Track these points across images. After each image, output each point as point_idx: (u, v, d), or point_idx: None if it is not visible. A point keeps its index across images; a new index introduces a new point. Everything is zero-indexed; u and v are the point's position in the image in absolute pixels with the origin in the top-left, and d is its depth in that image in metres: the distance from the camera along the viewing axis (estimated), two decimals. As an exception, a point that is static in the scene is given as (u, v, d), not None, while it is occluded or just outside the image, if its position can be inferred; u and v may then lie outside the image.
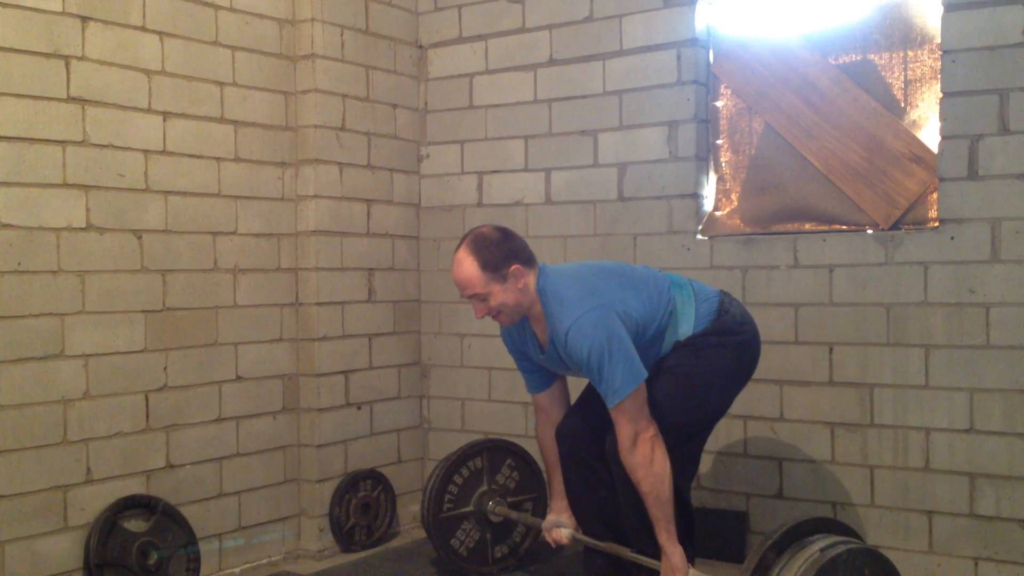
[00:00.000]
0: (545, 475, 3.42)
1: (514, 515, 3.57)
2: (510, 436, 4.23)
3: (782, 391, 3.60)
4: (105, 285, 3.29)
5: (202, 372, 3.60)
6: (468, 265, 2.83)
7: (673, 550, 2.75)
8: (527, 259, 2.89)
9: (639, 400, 2.74)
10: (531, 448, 3.71)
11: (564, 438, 3.14)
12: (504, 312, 2.89)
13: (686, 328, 2.90)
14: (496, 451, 3.67)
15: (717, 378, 2.94)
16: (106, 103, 3.29)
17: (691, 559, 2.87)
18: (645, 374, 2.75)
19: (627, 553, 2.95)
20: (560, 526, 3.20)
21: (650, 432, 2.74)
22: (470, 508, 3.57)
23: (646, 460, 2.72)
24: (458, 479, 3.57)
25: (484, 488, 3.60)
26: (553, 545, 3.25)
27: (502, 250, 2.84)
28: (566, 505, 3.19)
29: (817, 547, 2.43)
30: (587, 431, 3.06)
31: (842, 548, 2.44)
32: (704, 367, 2.89)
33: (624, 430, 2.73)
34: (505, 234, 2.90)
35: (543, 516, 3.42)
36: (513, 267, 2.83)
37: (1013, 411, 3.19)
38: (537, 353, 3.04)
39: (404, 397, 4.37)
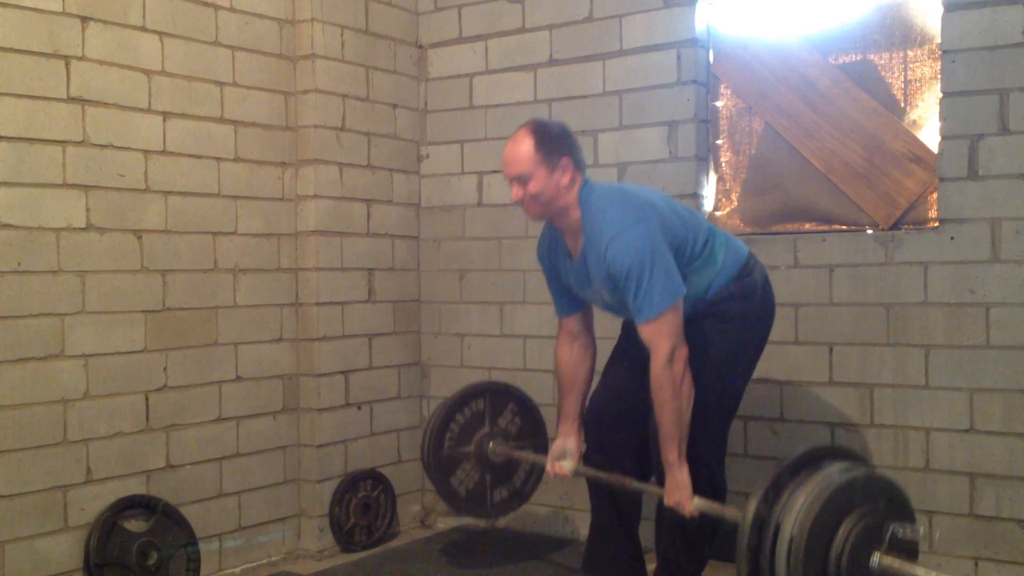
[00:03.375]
0: (554, 409, 3.36)
1: (516, 453, 3.51)
2: (510, 436, 4.25)
3: (782, 391, 3.60)
4: (105, 285, 3.29)
5: (202, 372, 3.60)
6: (524, 142, 2.84)
7: (681, 468, 2.75)
8: (579, 161, 2.90)
9: (678, 316, 2.74)
10: (534, 394, 3.68)
11: (591, 424, 3.15)
12: (537, 203, 2.87)
13: (711, 271, 2.90)
14: (499, 394, 3.60)
15: (743, 353, 2.96)
16: (106, 103, 3.29)
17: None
18: (684, 290, 2.77)
19: (633, 483, 2.94)
20: (565, 455, 3.16)
21: (685, 351, 2.74)
22: (470, 448, 3.51)
23: (679, 377, 2.72)
24: (460, 419, 3.50)
25: (485, 430, 3.53)
26: (553, 478, 3.21)
27: (561, 140, 2.87)
28: (575, 428, 3.15)
29: (835, 468, 2.39)
30: (615, 418, 3.08)
31: (860, 472, 2.40)
32: (732, 344, 2.90)
33: (662, 346, 2.72)
34: (567, 130, 2.94)
35: (542, 471, 3.42)
36: (565, 159, 2.84)
37: (1013, 411, 3.19)
38: (567, 267, 3.02)
39: (404, 397, 4.37)
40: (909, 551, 2.38)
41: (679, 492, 2.76)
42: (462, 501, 3.53)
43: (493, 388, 3.62)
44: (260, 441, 3.82)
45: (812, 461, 2.44)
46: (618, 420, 3.09)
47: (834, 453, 2.52)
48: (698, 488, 2.80)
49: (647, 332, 2.75)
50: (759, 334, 3.02)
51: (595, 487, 3.17)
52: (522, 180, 2.84)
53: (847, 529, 2.29)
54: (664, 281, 2.72)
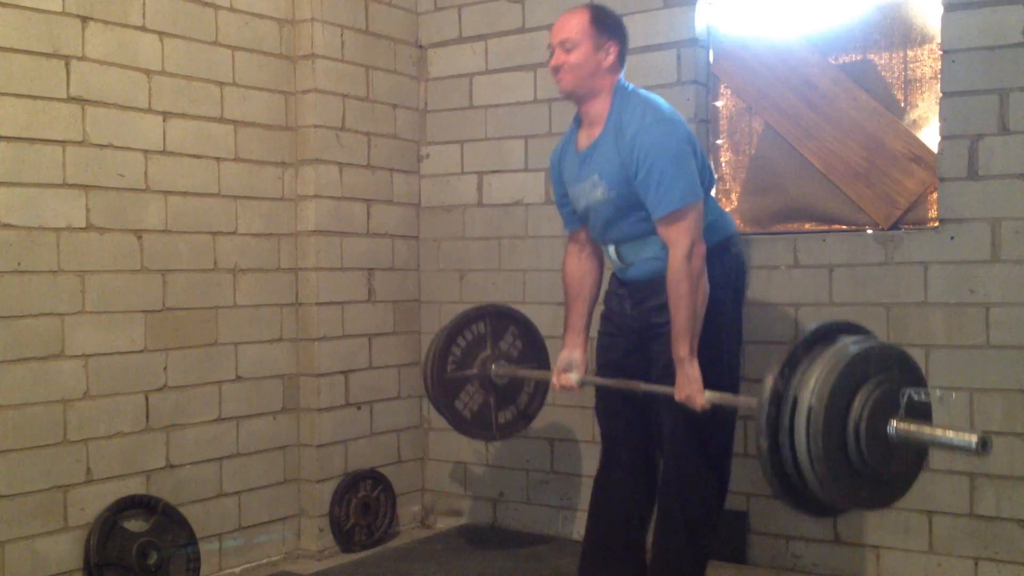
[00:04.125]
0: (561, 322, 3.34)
1: (520, 371, 3.49)
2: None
3: (782, 391, 3.60)
4: (105, 285, 3.29)
5: (202, 372, 3.60)
6: (581, 13, 2.88)
7: (692, 363, 2.74)
8: (623, 54, 2.93)
9: (699, 213, 2.77)
10: (534, 318, 3.68)
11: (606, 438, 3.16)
12: (573, 74, 2.86)
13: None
14: (500, 317, 3.56)
15: (729, 335, 2.96)
16: (106, 103, 3.29)
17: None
18: (703, 194, 2.80)
19: (640, 385, 2.92)
20: (571, 367, 3.14)
21: (703, 249, 2.76)
22: (474, 371, 3.47)
23: (697, 272, 2.73)
24: (461, 342, 3.46)
25: (487, 353, 3.50)
26: (558, 389, 3.18)
27: (616, 28, 2.91)
28: (581, 340, 3.14)
29: (848, 341, 2.40)
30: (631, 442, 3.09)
31: (873, 343, 2.40)
32: (721, 333, 2.89)
33: (682, 241, 2.73)
34: (623, 25, 2.97)
35: (546, 389, 3.47)
36: (613, 44, 2.88)
37: (1013, 411, 3.19)
38: (571, 161, 3.01)
39: (404, 397, 4.37)
40: (924, 415, 2.38)
41: (690, 386, 2.73)
42: (468, 423, 3.46)
43: (492, 310, 3.57)
44: (260, 441, 3.82)
45: (825, 336, 2.44)
46: (619, 411, 3.09)
47: (845, 328, 2.51)
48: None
49: (666, 226, 2.76)
50: (738, 310, 3.00)
51: (596, 496, 3.16)
52: (566, 47, 2.86)
53: (864, 397, 2.29)
54: (688, 178, 2.75)
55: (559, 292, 3.92)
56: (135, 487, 3.36)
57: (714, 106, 3.86)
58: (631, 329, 3.02)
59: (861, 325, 2.55)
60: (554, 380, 3.16)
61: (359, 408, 4.12)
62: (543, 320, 4.03)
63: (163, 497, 3.42)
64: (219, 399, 3.66)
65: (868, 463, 2.28)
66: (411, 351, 4.40)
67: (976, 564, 3.27)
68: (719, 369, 2.85)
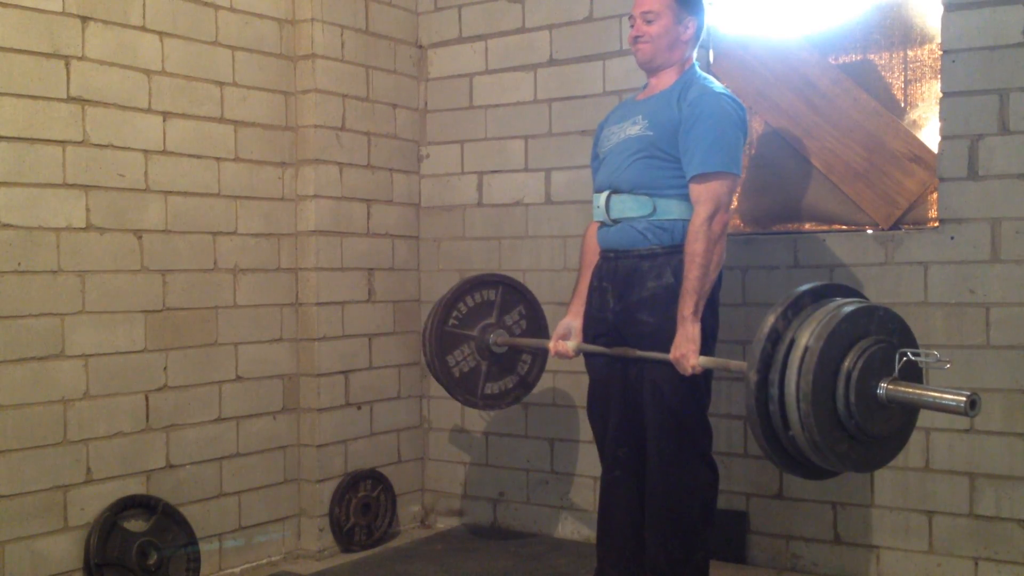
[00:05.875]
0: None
1: (518, 340, 3.49)
2: (509, 436, 4.25)
3: (782, 391, 3.60)
4: (105, 285, 3.29)
5: (202, 372, 3.60)
6: None
7: (694, 324, 2.75)
8: (700, 33, 3.03)
9: (731, 186, 2.84)
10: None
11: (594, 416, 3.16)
12: (652, 45, 2.98)
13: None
14: (512, 292, 3.56)
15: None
16: (106, 103, 3.29)
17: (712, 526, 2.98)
18: (740, 173, 2.87)
19: (634, 352, 2.91)
20: (570, 333, 3.16)
21: (727, 218, 2.81)
22: (473, 333, 3.47)
23: (716, 236, 2.77)
24: (470, 301, 3.47)
25: (491, 321, 3.50)
26: (554, 355, 3.22)
27: (697, 7, 3.02)
28: (583, 309, 3.16)
29: (853, 300, 2.43)
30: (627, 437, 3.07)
31: (878, 306, 2.42)
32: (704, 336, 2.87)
33: (708, 204, 2.78)
34: (704, 5, 3.07)
35: (544, 362, 3.51)
36: (692, 21, 2.98)
37: (1013, 411, 3.19)
38: (620, 115, 3.09)
39: (404, 397, 4.37)
40: (917, 379, 2.40)
41: (687, 345, 2.74)
42: (454, 381, 3.45)
43: (508, 282, 3.58)
44: (260, 441, 3.82)
45: (831, 292, 2.47)
46: (611, 409, 3.09)
47: (853, 293, 2.54)
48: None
49: (698, 188, 2.81)
50: (716, 323, 2.96)
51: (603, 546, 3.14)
52: (648, 18, 2.97)
53: (860, 349, 2.31)
54: (734, 150, 2.82)
55: (559, 292, 3.93)
56: (135, 487, 3.36)
57: (714, 106, 3.85)
58: (614, 332, 3.00)
59: (867, 298, 2.57)
60: (551, 345, 3.19)
61: (359, 408, 4.12)
62: (543, 320, 4.04)
63: (163, 497, 3.42)
64: (219, 399, 3.66)
65: (853, 415, 2.29)
66: (411, 351, 4.40)
67: (976, 564, 3.27)
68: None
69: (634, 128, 2.97)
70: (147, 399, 3.42)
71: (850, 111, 3.57)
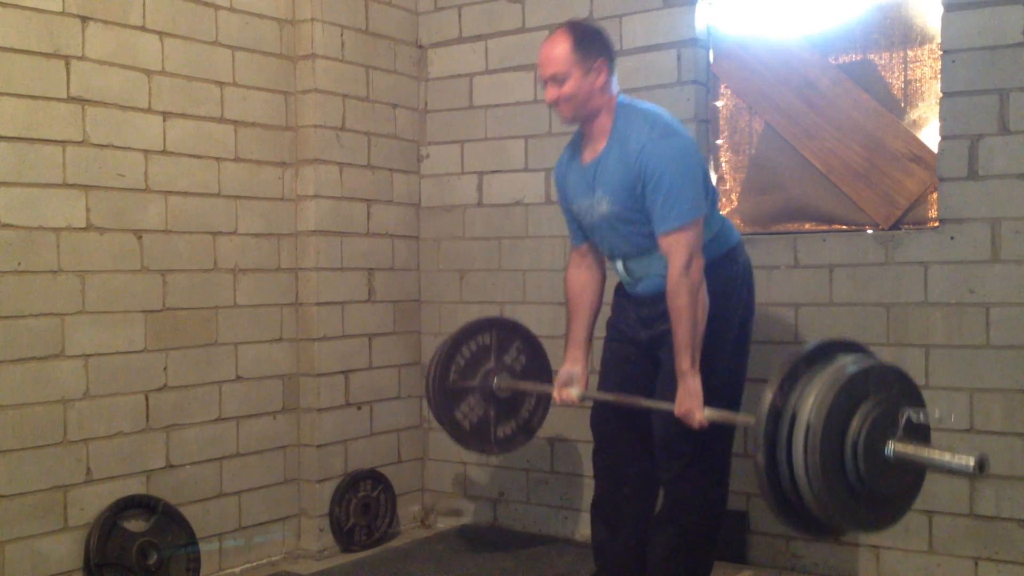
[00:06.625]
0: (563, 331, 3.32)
1: (522, 384, 3.46)
2: (510, 436, 4.24)
3: (782, 391, 3.60)
4: (105, 285, 3.29)
5: (202, 372, 3.60)
6: (562, 41, 2.86)
7: (694, 378, 2.73)
8: (613, 67, 2.91)
9: (699, 231, 2.78)
10: (535, 318, 3.65)
11: (595, 425, 3.16)
12: (571, 104, 2.87)
13: (707, 234, 2.89)
14: (506, 330, 3.53)
15: (734, 347, 2.94)
16: (106, 103, 3.29)
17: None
18: (706, 210, 2.80)
19: (641, 401, 2.91)
20: (572, 381, 3.14)
21: (702, 263, 2.76)
22: (475, 382, 3.44)
23: (696, 284, 2.73)
24: (466, 352, 3.43)
25: (491, 365, 3.46)
26: (559, 404, 3.19)
27: (598, 42, 2.88)
28: (582, 355, 3.14)
29: (848, 359, 2.40)
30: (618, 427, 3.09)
31: (873, 362, 2.41)
32: (724, 345, 2.88)
33: (681, 254, 2.73)
34: (603, 32, 2.95)
35: (547, 405, 3.46)
36: (600, 61, 2.85)
37: (1013, 411, 3.19)
38: (576, 175, 3.00)
39: (404, 397, 4.37)
40: (922, 436, 2.38)
41: (690, 400, 2.73)
42: (466, 434, 3.43)
43: (500, 323, 3.56)
44: (260, 441, 3.82)
45: (825, 353, 2.44)
46: (620, 428, 3.08)
47: (845, 346, 2.51)
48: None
49: (667, 241, 2.77)
50: (736, 319, 2.95)
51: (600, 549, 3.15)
52: (557, 81, 2.86)
53: (863, 415, 2.29)
54: (693, 194, 2.75)
55: (559, 292, 3.93)
56: (135, 487, 3.36)
57: (714, 106, 3.86)
58: (636, 338, 3.02)
59: (861, 344, 2.55)
60: (555, 395, 3.16)
61: (359, 408, 4.12)
62: (544, 319, 4.04)
63: (163, 497, 3.42)
64: (219, 399, 3.66)
65: (865, 481, 2.28)
66: (411, 351, 4.40)
67: (976, 564, 3.27)
68: (719, 381, 2.84)
69: (602, 207, 2.89)
70: (147, 399, 3.42)
71: (850, 111, 3.57)
